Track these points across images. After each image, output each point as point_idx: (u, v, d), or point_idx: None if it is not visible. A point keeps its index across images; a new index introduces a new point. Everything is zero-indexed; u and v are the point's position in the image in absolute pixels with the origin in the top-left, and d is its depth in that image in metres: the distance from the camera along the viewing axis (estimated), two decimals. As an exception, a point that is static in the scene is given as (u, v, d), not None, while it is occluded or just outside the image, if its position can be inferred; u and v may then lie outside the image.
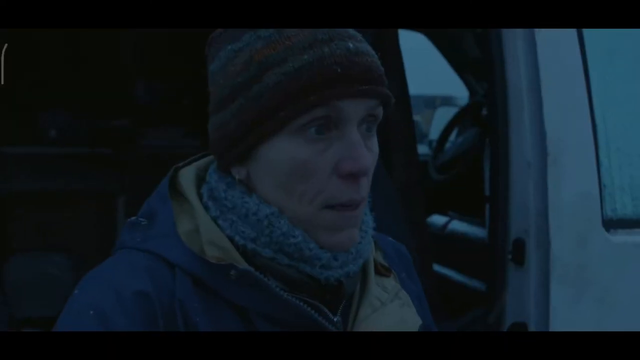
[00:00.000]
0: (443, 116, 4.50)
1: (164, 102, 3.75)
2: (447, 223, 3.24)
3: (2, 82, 1.78)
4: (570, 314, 1.82)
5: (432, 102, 12.68)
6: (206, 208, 0.95)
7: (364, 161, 0.90)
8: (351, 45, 0.90)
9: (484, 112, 3.01)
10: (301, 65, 0.88)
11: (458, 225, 3.17)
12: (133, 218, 0.98)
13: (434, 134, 4.41)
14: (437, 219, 3.34)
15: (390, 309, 1.02)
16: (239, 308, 0.92)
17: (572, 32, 1.86)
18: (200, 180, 1.00)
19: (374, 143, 0.95)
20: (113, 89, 3.58)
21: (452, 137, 3.89)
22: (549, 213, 1.81)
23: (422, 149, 4.57)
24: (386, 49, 2.38)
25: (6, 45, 1.74)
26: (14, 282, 3.45)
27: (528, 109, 1.85)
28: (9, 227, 3.49)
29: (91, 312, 0.86)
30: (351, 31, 0.93)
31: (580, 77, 1.85)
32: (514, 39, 1.87)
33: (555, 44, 1.85)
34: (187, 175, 0.99)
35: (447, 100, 11.29)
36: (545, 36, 1.85)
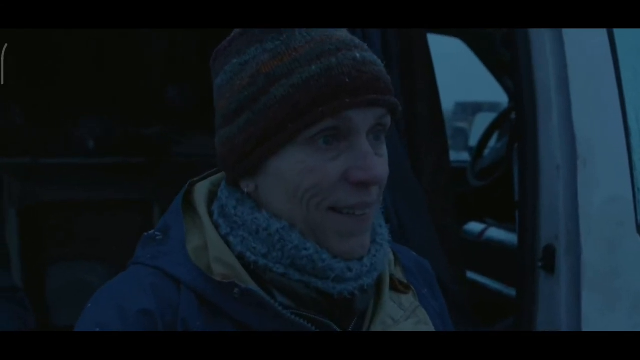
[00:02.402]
0: (483, 122, 4.43)
1: (198, 110, 3.77)
2: (484, 230, 3.18)
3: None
4: (602, 322, 1.74)
5: (479, 109, 12.53)
6: (217, 225, 0.96)
7: (375, 171, 0.89)
8: (358, 55, 0.90)
9: (513, 115, 2.95)
10: (309, 76, 0.88)
11: (495, 233, 3.11)
12: (150, 232, 1.00)
13: (474, 140, 4.34)
14: (474, 226, 3.27)
15: (403, 328, 1.00)
16: (244, 326, 0.92)
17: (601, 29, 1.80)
18: (213, 195, 1.01)
19: (383, 149, 0.94)
20: (146, 96, 3.61)
21: (492, 142, 3.83)
22: (580, 218, 1.74)
23: (466, 156, 4.52)
24: (415, 53, 2.34)
25: (6, 45, 1.76)
26: (54, 291, 3.51)
27: (557, 109, 1.79)
28: (48, 237, 3.55)
29: (97, 329, 0.90)
30: (357, 40, 0.93)
31: (610, 75, 1.78)
32: (541, 37, 1.81)
33: (584, 41, 1.78)
34: (200, 191, 1.00)
35: (493, 107, 11.13)
36: (573, 33, 1.79)
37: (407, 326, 1.00)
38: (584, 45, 1.78)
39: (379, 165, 0.90)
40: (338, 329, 0.94)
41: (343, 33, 0.93)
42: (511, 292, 2.67)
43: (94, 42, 3.39)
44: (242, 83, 0.91)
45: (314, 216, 0.91)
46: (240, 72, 0.92)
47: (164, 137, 3.67)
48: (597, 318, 1.75)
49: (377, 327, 0.98)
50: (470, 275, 2.81)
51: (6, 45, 1.76)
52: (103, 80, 3.46)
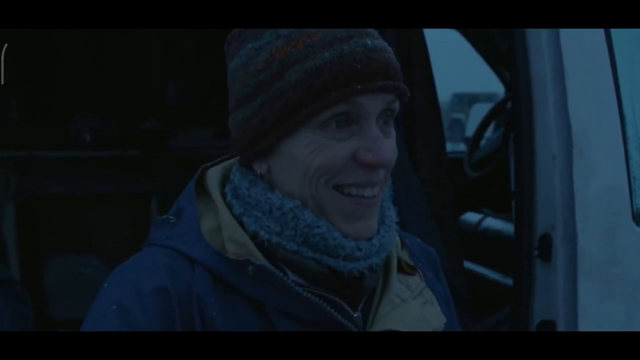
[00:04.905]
0: (479, 113, 4.43)
1: (194, 104, 3.77)
2: (480, 220, 3.19)
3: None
4: (599, 311, 1.75)
5: (476, 100, 12.53)
6: (230, 206, 0.99)
7: (383, 154, 0.93)
8: (369, 42, 0.94)
9: (509, 105, 2.95)
10: (322, 62, 0.91)
11: (492, 223, 3.12)
12: (163, 216, 1.03)
13: (470, 131, 4.35)
14: (471, 217, 3.28)
15: (410, 307, 1.03)
16: (257, 303, 0.95)
17: (597, 19, 1.79)
18: (226, 179, 1.04)
19: (392, 132, 0.98)
20: (143, 91, 3.61)
21: (488, 133, 3.83)
22: (576, 207, 1.75)
23: (463, 147, 4.52)
24: (411, 44, 2.34)
25: (6, 45, 1.76)
26: (51, 284, 3.51)
27: (552, 99, 1.79)
28: (45, 231, 3.55)
29: (114, 307, 0.92)
30: (368, 29, 0.96)
31: (606, 65, 1.79)
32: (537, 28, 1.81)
33: (580, 32, 1.79)
34: (213, 175, 1.04)
35: (490, 97, 11.13)
36: (569, 24, 1.78)
37: (415, 305, 1.03)
38: (580, 35, 1.79)
39: (388, 148, 0.94)
40: (348, 307, 0.97)
41: None
42: (508, 281, 2.68)
43: (92, 40, 3.39)
44: (256, 67, 0.94)
45: (321, 196, 0.94)
46: (255, 56, 0.94)
47: (161, 132, 3.68)
48: (593, 307, 1.76)
49: (385, 307, 1.01)
50: (468, 265, 2.82)
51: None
52: (102, 76, 3.47)
